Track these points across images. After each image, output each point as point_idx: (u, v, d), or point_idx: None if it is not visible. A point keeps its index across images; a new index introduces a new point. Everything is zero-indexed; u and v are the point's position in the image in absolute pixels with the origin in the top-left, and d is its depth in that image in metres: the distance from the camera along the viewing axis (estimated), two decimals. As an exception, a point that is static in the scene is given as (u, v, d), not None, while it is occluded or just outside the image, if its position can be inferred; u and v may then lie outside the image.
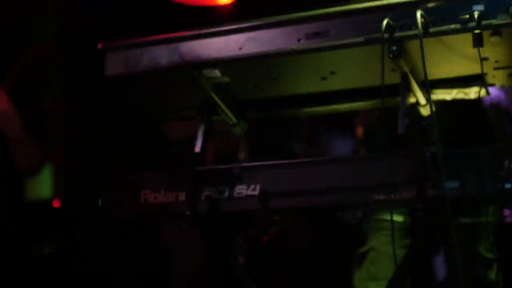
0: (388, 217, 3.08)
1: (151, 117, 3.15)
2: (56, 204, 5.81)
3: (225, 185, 2.74)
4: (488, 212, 3.18)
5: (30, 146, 4.03)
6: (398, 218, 3.35)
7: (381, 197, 2.55)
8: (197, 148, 2.75)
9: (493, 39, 2.41)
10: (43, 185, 6.42)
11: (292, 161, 2.72)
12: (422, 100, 2.68)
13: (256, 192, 2.70)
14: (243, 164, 2.77)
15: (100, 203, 2.98)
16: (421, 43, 2.40)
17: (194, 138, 2.77)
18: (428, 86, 2.46)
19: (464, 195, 2.45)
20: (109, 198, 2.93)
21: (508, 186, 2.41)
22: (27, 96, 4.05)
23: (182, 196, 2.79)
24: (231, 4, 7.86)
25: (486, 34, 2.40)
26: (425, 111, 2.68)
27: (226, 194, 2.74)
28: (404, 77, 2.60)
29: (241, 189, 2.72)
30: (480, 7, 2.40)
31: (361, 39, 2.54)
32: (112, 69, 2.87)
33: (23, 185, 4.14)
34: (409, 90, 2.63)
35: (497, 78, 2.67)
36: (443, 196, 2.33)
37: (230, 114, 2.94)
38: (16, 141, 3.98)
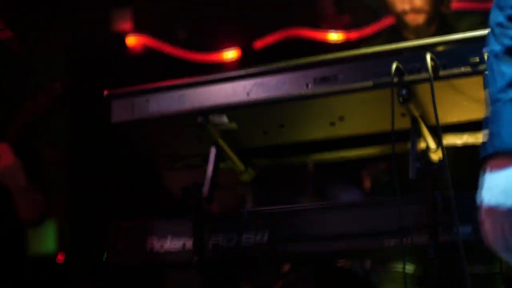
0: (399, 266, 3.02)
1: (157, 165, 3.11)
2: (60, 258, 5.76)
3: (234, 232, 2.70)
4: (502, 260, 3.11)
5: (33, 196, 4.02)
6: (409, 267, 3.28)
7: (392, 243, 2.50)
8: (205, 193, 2.71)
9: (504, 81, 2.38)
10: (46, 240, 6.37)
11: (302, 206, 2.68)
12: (433, 145, 2.64)
13: (265, 239, 2.65)
14: (252, 209, 2.73)
15: (105, 255, 2.93)
16: (432, 86, 2.38)
17: (201, 185, 2.73)
18: (440, 130, 2.42)
19: (477, 240, 2.40)
20: (114, 246, 2.88)
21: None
22: (28, 148, 4.05)
23: (189, 244, 2.74)
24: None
25: (496, 76, 2.37)
26: (435, 156, 2.65)
27: (234, 241, 2.69)
28: (415, 121, 2.56)
29: (250, 236, 2.67)
30: (490, 49, 2.38)
31: (370, 83, 2.52)
32: (118, 116, 2.84)
33: (25, 239, 4.11)
34: (419, 135, 2.60)
35: (508, 121, 2.63)
36: (456, 241, 2.28)
37: (237, 162, 2.90)
38: (19, 193, 3.97)
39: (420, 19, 3.58)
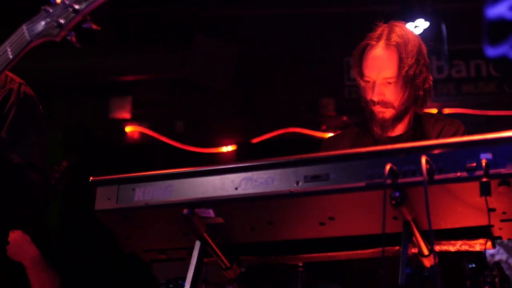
0: None
1: (140, 256, 3.00)
2: None
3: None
4: None
5: (48, 274, 3.96)
6: None
7: None
8: (186, 290, 2.60)
9: (501, 189, 2.30)
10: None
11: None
12: (425, 251, 2.54)
13: None
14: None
15: None
16: (426, 190, 2.30)
17: (183, 279, 2.62)
18: (433, 236, 2.33)
19: None
20: None
21: None
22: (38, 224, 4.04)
23: None
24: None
25: (494, 183, 2.29)
26: (427, 262, 2.54)
27: None
28: (406, 225, 2.47)
29: None
30: (488, 156, 2.31)
31: (362, 184, 2.43)
32: (101, 204, 2.76)
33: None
34: (411, 239, 2.50)
35: (504, 230, 2.54)
36: None
37: (222, 257, 2.80)
38: (33, 268, 3.92)
39: (387, 113, 3.49)
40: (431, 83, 3.56)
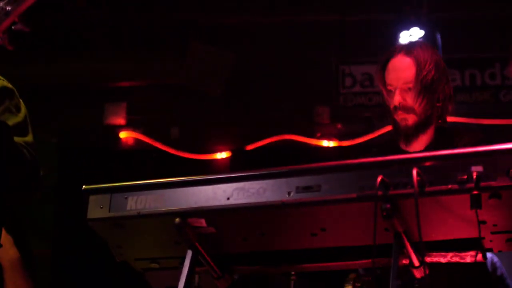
0: None
1: (132, 265, 3.00)
2: None
3: None
4: None
5: (23, 279, 3.93)
6: None
7: None
8: (178, 300, 2.61)
9: (492, 202, 2.32)
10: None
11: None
12: (416, 262, 2.55)
13: None
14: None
15: None
16: (416, 202, 2.31)
17: (175, 288, 2.63)
18: (423, 248, 2.34)
19: None
20: None
21: None
22: (19, 228, 3.99)
23: None
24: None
25: (484, 196, 2.30)
26: (418, 273, 2.55)
27: None
28: (397, 237, 2.48)
29: None
30: (479, 168, 2.32)
31: (353, 195, 2.45)
32: (94, 213, 2.76)
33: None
34: (402, 251, 2.51)
35: (494, 242, 2.55)
36: None
37: (214, 267, 2.81)
38: (12, 271, 3.88)
39: (409, 120, 3.56)
40: (451, 91, 3.68)
